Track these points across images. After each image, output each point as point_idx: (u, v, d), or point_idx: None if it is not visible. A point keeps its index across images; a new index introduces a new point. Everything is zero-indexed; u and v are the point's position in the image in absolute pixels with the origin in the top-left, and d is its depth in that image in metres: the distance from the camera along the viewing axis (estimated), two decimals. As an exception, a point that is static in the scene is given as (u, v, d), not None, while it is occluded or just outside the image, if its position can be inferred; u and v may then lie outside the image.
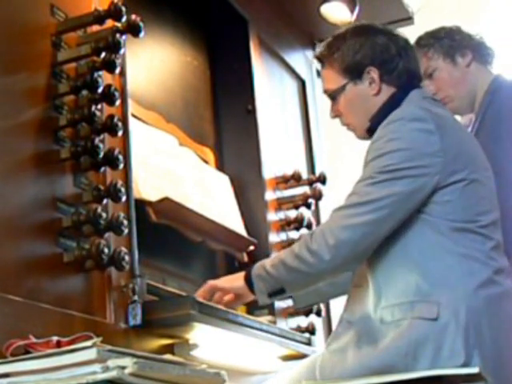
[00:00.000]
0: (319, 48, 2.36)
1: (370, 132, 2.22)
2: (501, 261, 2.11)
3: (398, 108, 2.15)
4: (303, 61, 3.80)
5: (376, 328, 2.04)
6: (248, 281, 2.18)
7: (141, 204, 2.38)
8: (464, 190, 2.07)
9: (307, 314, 3.08)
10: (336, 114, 2.30)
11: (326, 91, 2.32)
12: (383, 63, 2.22)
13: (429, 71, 2.85)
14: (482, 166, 2.17)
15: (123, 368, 1.50)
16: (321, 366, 2.13)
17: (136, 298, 2.14)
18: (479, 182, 2.11)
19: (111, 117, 2.09)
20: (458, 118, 2.94)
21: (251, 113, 3.20)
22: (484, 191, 2.13)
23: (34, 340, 1.70)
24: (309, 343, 2.90)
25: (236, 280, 2.24)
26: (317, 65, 3.95)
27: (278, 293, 2.16)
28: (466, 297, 1.99)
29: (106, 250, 1.99)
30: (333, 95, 2.28)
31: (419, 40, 2.90)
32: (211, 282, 2.28)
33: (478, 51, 2.86)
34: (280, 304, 2.94)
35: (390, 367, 1.94)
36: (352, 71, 2.24)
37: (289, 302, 2.99)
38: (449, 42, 2.85)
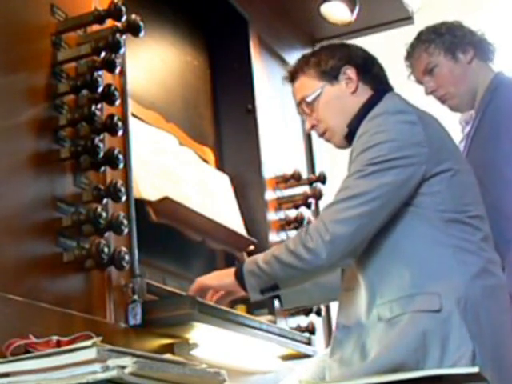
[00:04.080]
0: (289, 67, 2.37)
1: (348, 138, 2.22)
2: (492, 253, 2.12)
3: (378, 104, 2.17)
4: (303, 60, 3.80)
5: (376, 327, 2.03)
6: (239, 277, 2.16)
7: (141, 204, 2.38)
8: (451, 180, 2.08)
9: (307, 313, 3.08)
10: (313, 123, 2.29)
11: (301, 100, 2.29)
12: (358, 64, 2.26)
13: (429, 67, 2.82)
14: (461, 158, 2.20)
15: (123, 367, 1.51)
16: (331, 378, 2.09)
17: (136, 297, 2.14)
18: (463, 173, 2.13)
19: (111, 116, 2.09)
20: (458, 114, 2.94)
21: (251, 112, 3.20)
22: (468, 183, 2.15)
23: (34, 339, 1.70)
24: (309, 343, 2.90)
25: (226, 276, 2.21)
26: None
27: (271, 289, 2.13)
28: (464, 286, 1.99)
29: (105, 250, 1.99)
30: (308, 100, 2.27)
31: (420, 35, 2.86)
32: (200, 279, 2.26)
33: (480, 48, 2.83)
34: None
35: (400, 365, 1.92)
36: (328, 73, 2.26)
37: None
38: (450, 37, 2.81)
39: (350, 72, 2.25)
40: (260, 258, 2.15)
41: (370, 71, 2.27)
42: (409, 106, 2.16)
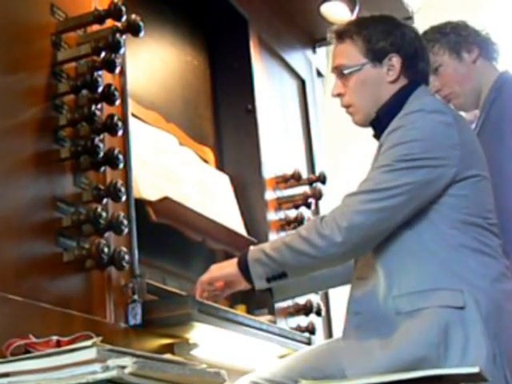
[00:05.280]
0: (341, 24, 2.29)
1: (372, 123, 2.21)
2: (505, 259, 2.13)
3: (416, 100, 2.14)
4: (303, 61, 3.80)
5: (395, 319, 2.01)
6: (242, 267, 2.12)
7: (141, 204, 2.38)
8: (478, 185, 2.08)
9: (307, 313, 3.08)
10: (339, 91, 2.24)
11: (337, 66, 2.24)
12: (408, 55, 2.21)
13: (434, 66, 2.80)
14: (486, 165, 2.19)
15: (123, 367, 1.51)
16: (348, 362, 2.07)
17: (136, 297, 2.14)
18: (488, 180, 2.14)
19: (111, 116, 2.09)
20: (462, 114, 2.94)
21: (251, 112, 3.20)
22: (490, 191, 2.15)
23: (33, 339, 1.70)
24: (309, 343, 2.90)
25: (227, 266, 2.18)
26: (317, 64, 3.95)
27: (279, 277, 2.10)
28: (484, 288, 2.00)
29: (105, 250, 1.99)
30: (344, 72, 2.22)
31: (424, 34, 2.85)
32: (201, 278, 2.23)
33: (485, 47, 2.83)
34: (280, 304, 2.94)
35: (422, 359, 1.93)
36: (375, 54, 2.20)
37: (289, 302, 2.99)
38: (455, 37, 2.81)
39: (396, 61, 2.19)
40: (267, 246, 2.13)
41: (416, 65, 2.22)
42: (445, 106, 2.14)
